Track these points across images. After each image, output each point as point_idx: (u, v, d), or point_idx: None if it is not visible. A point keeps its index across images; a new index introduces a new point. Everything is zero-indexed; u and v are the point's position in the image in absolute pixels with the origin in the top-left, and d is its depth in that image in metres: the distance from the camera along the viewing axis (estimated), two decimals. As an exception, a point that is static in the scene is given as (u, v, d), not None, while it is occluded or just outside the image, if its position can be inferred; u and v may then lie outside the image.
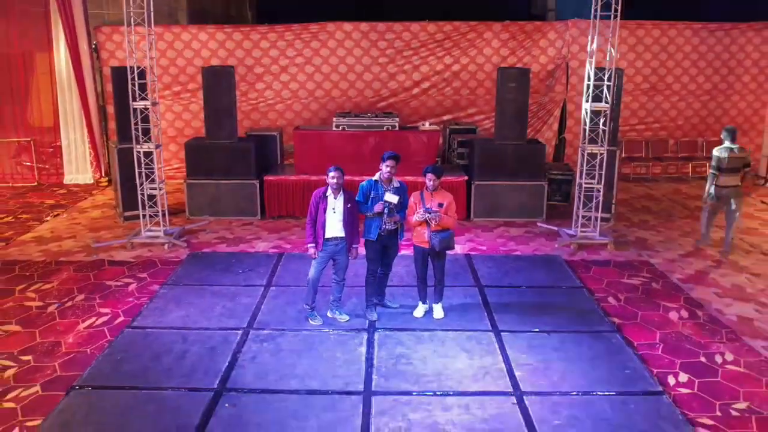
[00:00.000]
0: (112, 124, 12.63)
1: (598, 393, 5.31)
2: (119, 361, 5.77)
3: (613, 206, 10.09)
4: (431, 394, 5.26)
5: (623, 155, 13.19)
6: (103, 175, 12.73)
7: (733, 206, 8.68)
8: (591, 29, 8.69)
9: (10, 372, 5.72)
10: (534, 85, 12.66)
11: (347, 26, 12.48)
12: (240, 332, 6.31)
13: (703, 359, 6.00)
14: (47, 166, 12.86)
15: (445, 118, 12.79)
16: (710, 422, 5.02)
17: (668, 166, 13.46)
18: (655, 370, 5.75)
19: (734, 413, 5.16)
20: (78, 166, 12.77)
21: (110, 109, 12.63)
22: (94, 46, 12.39)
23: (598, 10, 8.62)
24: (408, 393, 5.27)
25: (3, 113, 12.54)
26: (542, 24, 12.98)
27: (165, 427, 4.80)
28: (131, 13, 8.65)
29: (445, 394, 5.25)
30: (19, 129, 12.67)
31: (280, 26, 12.45)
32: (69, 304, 7.12)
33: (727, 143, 8.73)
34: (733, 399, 5.35)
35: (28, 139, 12.70)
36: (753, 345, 6.29)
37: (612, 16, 8.60)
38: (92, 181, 12.70)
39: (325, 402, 5.14)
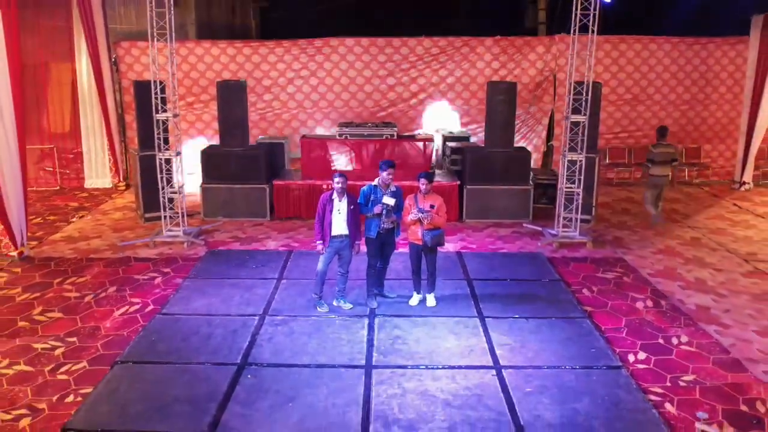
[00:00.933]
0: (129, 132, 13.61)
1: (566, 367, 6.20)
2: (154, 342, 6.66)
3: (593, 208, 10.99)
4: (423, 367, 6.15)
5: (607, 161, 14.13)
6: (121, 179, 13.62)
7: (664, 192, 10.89)
8: (570, 47, 9.59)
9: (59, 351, 6.61)
10: (524, 95, 13.62)
11: (349, 41, 13.40)
12: (257, 318, 7.20)
13: (660, 341, 6.90)
14: (68, 171, 13.76)
15: (440, 126, 13.68)
16: (660, 390, 5.91)
17: (650, 171, 14.34)
18: (617, 350, 6.64)
19: (682, 384, 6.05)
20: (98, 171, 13.67)
21: (128, 118, 13.59)
22: (113, 60, 13.30)
23: (577, 28, 9.50)
24: (403, 367, 6.16)
25: (27, 121, 13.39)
26: (531, 39, 13.89)
27: (197, 394, 5.68)
28: (154, 34, 9.53)
29: (435, 368, 6.14)
30: (43, 136, 13.56)
31: (287, 41, 13.37)
32: (103, 295, 8.02)
33: (660, 140, 10.75)
34: (682, 372, 6.24)
35: (51, 146, 13.60)
36: (706, 329, 7.18)
37: (590, 32, 9.45)
38: (111, 185, 13.59)
39: (333, 374, 6.03)
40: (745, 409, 5.63)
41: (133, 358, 6.34)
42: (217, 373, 6.03)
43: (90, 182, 13.63)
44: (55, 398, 5.75)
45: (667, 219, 11.34)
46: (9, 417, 5.44)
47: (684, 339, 6.94)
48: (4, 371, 6.16)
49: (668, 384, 6.04)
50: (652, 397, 5.78)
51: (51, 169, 13.69)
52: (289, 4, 19.61)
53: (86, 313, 7.49)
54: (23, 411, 5.54)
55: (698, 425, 5.31)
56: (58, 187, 13.61)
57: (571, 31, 9.52)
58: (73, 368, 6.27)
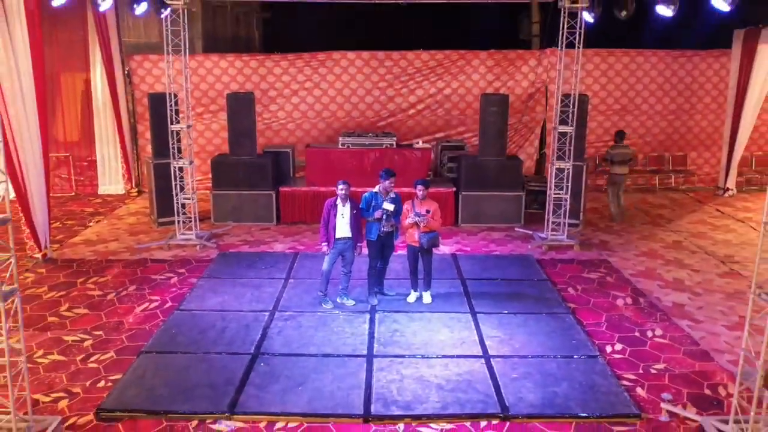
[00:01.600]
0: (140, 141, 14.28)
1: (549, 356, 6.85)
2: (174, 334, 7.31)
3: (581, 213, 11.65)
4: (419, 357, 6.79)
5: (598, 169, 14.79)
6: (133, 186, 14.28)
7: (622, 188, 11.93)
8: (557, 63, 10.27)
9: (88, 342, 7.26)
10: (517, 106, 14.31)
11: (351, 55, 14.08)
12: (267, 313, 7.85)
13: (636, 334, 7.55)
14: (83, 178, 14.41)
15: (437, 135, 14.37)
16: (633, 377, 6.56)
17: (638, 178, 15.01)
18: (596, 342, 7.28)
19: (653, 371, 6.69)
20: (111, 178, 14.32)
21: (140, 128, 14.26)
22: (126, 72, 13.97)
23: (563, 45, 10.18)
24: (401, 356, 6.81)
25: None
26: (524, 52, 14.57)
27: (216, 379, 6.32)
28: (170, 50, 10.20)
29: (430, 357, 6.79)
30: (58, 145, 14.20)
31: (292, 55, 14.06)
32: (124, 293, 8.67)
33: (618, 142, 11.89)
34: (654, 361, 6.89)
35: (66, 154, 14.25)
36: (680, 324, 7.83)
37: (576, 48, 10.12)
38: (124, 192, 14.24)
39: (338, 362, 6.67)
40: (708, 393, 6.27)
41: (156, 348, 6.99)
42: (233, 361, 6.68)
43: (103, 188, 14.28)
44: (88, 383, 6.39)
45: (649, 224, 12.01)
46: (48, 399, 6.08)
47: (658, 332, 7.60)
48: (40, 360, 6.81)
49: (641, 371, 6.69)
50: (625, 383, 6.43)
51: (66, 176, 14.34)
52: (291, 16, 20.31)
53: (110, 310, 8.14)
54: (61, 394, 6.19)
55: (663, 405, 5.95)
56: (73, 193, 14.25)
57: (559, 48, 10.19)
58: (102, 358, 6.92)
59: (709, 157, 15.25)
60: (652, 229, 11.83)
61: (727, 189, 14.48)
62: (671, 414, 5.89)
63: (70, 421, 5.74)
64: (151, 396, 6.04)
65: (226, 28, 19.51)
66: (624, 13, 9.03)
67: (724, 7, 6.60)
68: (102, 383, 6.40)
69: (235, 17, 21.05)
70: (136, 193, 14.18)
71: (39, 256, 9.82)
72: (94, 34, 13.46)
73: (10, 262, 5.21)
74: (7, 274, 5.30)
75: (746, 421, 5.28)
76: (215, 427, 5.65)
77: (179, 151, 10.63)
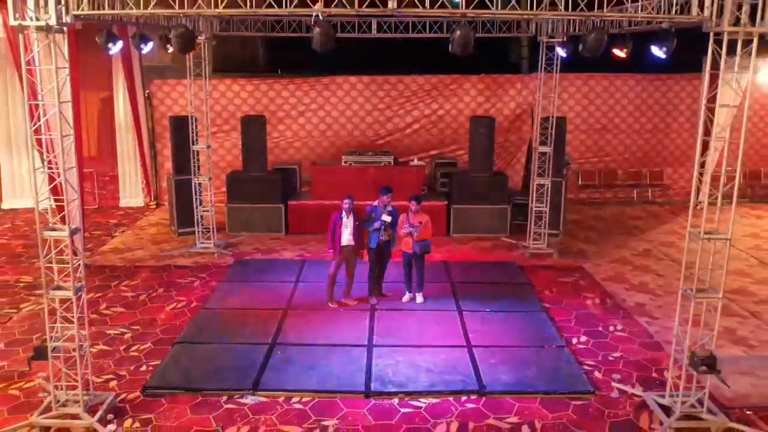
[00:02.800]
0: (159, 158, 15.50)
1: (522, 346, 8.05)
2: (201, 328, 8.51)
3: (561, 224, 12.85)
4: (412, 346, 7.98)
5: (580, 183, 16.04)
6: (152, 199, 15.50)
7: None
8: (537, 90, 11.51)
9: (128, 335, 8.45)
10: (506, 126, 15.56)
11: (352, 79, 15.34)
12: (281, 311, 9.04)
13: (600, 328, 8.74)
14: (105, 192, 15.63)
15: (432, 152, 15.61)
16: (592, 363, 7.75)
17: (617, 192, 16.25)
18: (565, 335, 8.48)
19: (610, 358, 7.88)
20: (131, 192, 15.54)
21: (158, 146, 15.49)
22: (147, 95, 15.23)
23: (542, 71, 11.40)
24: (396, 346, 8.00)
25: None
26: (511, 76, 15.82)
27: (240, 364, 7.51)
28: (191, 75, 11.45)
29: (421, 346, 7.98)
30: (83, 160, 15.38)
31: (298, 79, 15.33)
32: (154, 294, 9.87)
33: None
34: (612, 351, 8.08)
35: (90, 169, 15.45)
36: (639, 320, 9.02)
37: (555, 76, 11.34)
38: (143, 204, 15.46)
39: (343, 350, 7.87)
40: (655, 376, 7.45)
41: (188, 339, 8.19)
42: (254, 350, 7.86)
43: (124, 201, 15.50)
44: (132, 368, 7.59)
45: (624, 234, 13.25)
46: (100, 380, 7.26)
47: (619, 327, 8.79)
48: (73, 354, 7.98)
49: (599, 359, 7.88)
50: (585, 367, 7.62)
51: (89, 189, 15.52)
52: (294, 38, 21.58)
53: (143, 308, 9.34)
54: (110, 376, 7.38)
55: (614, 384, 7.15)
56: (96, 206, 15.44)
57: (539, 78, 11.45)
58: (141, 348, 8.12)
59: (683, 172, 16.48)
60: (626, 238, 13.04)
61: (700, 202, 15.63)
62: (621, 391, 7.08)
63: (121, 397, 6.92)
64: (187, 377, 7.24)
65: (233, 49, 20.77)
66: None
67: (661, 55, 7.78)
68: (144, 368, 7.59)
69: (242, 39, 22.35)
70: (154, 206, 15.39)
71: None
72: (118, 59, 14.68)
73: (78, 265, 6.41)
74: (78, 274, 6.48)
75: (678, 396, 6.49)
76: (242, 400, 6.84)
77: (199, 168, 11.85)
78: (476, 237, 12.89)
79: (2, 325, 8.75)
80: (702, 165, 6.88)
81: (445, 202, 12.98)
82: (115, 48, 7.59)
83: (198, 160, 11.88)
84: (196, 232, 11.85)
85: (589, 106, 15.96)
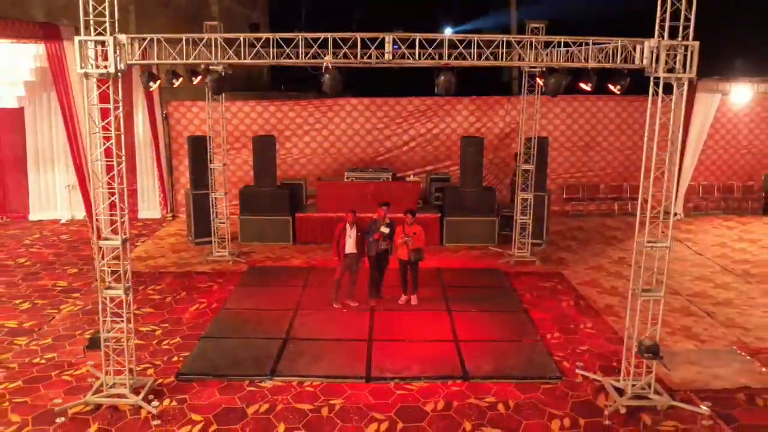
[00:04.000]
0: (175, 173, 16.76)
1: (502, 341, 9.28)
2: (223, 326, 9.74)
3: (544, 234, 14.10)
4: (406, 341, 9.21)
5: (564, 196, 17.31)
6: (168, 211, 16.75)
7: None
8: (522, 110, 12.78)
9: (158, 332, 9.68)
10: (495, 144, 16.85)
11: (354, 101, 16.64)
12: (291, 311, 10.26)
13: (572, 326, 9.97)
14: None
15: (427, 168, 16.90)
16: (562, 354, 8.97)
17: (600, 204, 17.51)
18: (540, 331, 9.71)
19: (578, 351, 9.11)
20: (149, 204, 16.80)
21: (174, 162, 16.76)
22: (164, 115, 16.51)
23: (525, 94, 12.66)
24: (393, 340, 9.23)
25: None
26: (500, 98, 17.11)
27: (258, 355, 8.72)
28: (210, 99, 12.73)
29: (414, 341, 9.21)
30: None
31: (304, 101, 16.64)
32: (178, 297, 11.10)
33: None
34: (580, 345, 9.31)
35: (111, 184, 16.71)
36: (607, 319, 10.25)
37: (537, 94, 12.58)
38: (160, 216, 16.71)
39: (347, 344, 9.09)
40: (615, 365, 8.65)
41: (212, 335, 9.42)
42: (269, 344, 9.08)
43: (143, 213, 16.75)
44: (165, 358, 8.81)
45: (602, 243, 14.50)
46: (139, 368, 8.46)
47: (589, 325, 10.02)
48: (120, 343, 9.21)
49: (569, 351, 9.10)
50: (556, 358, 8.84)
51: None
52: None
53: (170, 309, 10.57)
54: (147, 365, 8.60)
55: (577, 370, 8.38)
56: (117, 218, 16.67)
57: (521, 103, 12.74)
58: (171, 342, 9.34)
59: (660, 186, 17.69)
60: (604, 247, 14.28)
61: (676, 213, 16.95)
62: (584, 377, 8.30)
63: (158, 382, 8.14)
64: (213, 365, 8.46)
65: (238, 71, 22.14)
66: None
67: (615, 92, 9.05)
68: (175, 358, 8.82)
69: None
70: (171, 218, 16.65)
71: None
72: (138, 82, 15.92)
73: (127, 269, 7.66)
74: (127, 276, 7.72)
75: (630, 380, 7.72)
76: (261, 384, 8.06)
77: (214, 183, 13.13)
78: (467, 246, 14.12)
79: (48, 324, 9.98)
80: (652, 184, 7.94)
81: (439, 214, 14.23)
82: (155, 85, 8.84)
83: (214, 176, 13.13)
84: (213, 242, 13.09)
85: (573, 125, 17.24)
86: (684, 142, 16.42)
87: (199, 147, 13.57)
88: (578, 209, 17.46)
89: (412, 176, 15.20)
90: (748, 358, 8.95)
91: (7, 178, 16.58)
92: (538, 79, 12.02)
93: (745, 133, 17.93)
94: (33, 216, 16.62)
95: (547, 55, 8.12)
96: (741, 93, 15.65)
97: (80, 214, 16.51)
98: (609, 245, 14.47)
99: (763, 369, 8.60)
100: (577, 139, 17.34)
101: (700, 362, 8.81)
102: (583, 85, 9.80)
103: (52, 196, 16.77)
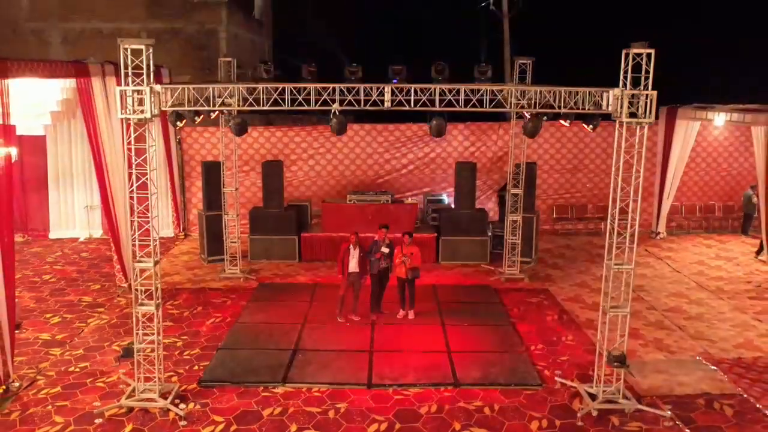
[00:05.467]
0: (187, 194, 17.81)
1: (490, 351, 10.29)
2: (238, 338, 10.75)
3: (533, 253, 15.13)
4: (404, 351, 10.21)
5: (554, 216, 18.35)
6: (181, 230, 17.78)
7: None
8: (511, 138, 13.85)
9: (179, 343, 10.68)
10: (488, 167, 17.93)
11: (355, 126, 17.74)
12: (299, 324, 11.27)
13: (554, 338, 10.98)
14: (139, 224, 17.87)
15: (424, 189, 17.96)
16: (544, 364, 9.98)
17: (587, 223, 18.55)
18: (525, 343, 10.71)
19: (559, 361, 10.11)
20: (162, 224, 17.77)
21: (186, 183, 17.80)
22: (178, 140, 17.58)
23: (514, 120, 13.73)
24: (392, 350, 10.24)
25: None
26: (493, 124, 18.19)
27: (271, 364, 9.72)
28: (222, 126, 13.79)
29: (411, 351, 10.21)
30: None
31: (309, 126, 17.74)
32: (195, 311, 12.11)
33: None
34: (561, 355, 10.32)
35: (127, 204, 17.76)
36: (587, 332, 11.25)
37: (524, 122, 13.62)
38: (173, 235, 17.73)
39: (350, 355, 10.10)
40: (590, 373, 9.64)
41: (228, 346, 10.43)
42: (280, 354, 10.09)
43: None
44: (186, 367, 9.82)
45: (588, 261, 15.52)
46: (164, 376, 9.47)
47: (570, 338, 11.03)
48: (151, 354, 10.22)
49: (550, 361, 10.11)
50: (538, 367, 9.85)
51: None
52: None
53: (188, 323, 11.59)
54: (171, 374, 9.60)
55: (556, 378, 9.38)
56: (132, 236, 17.69)
57: (511, 131, 13.81)
58: (192, 352, 10.35)
59: (646, 206, 18.74)
60: (589, 265, 15.30)
61: (659, 232, 18.01)
62: (562, 384, 9.31)
63: (183, 388, 9.15)
64: (231, 373, 9.47)
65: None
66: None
67: (589, 129, 10.12)
68: (196, 367, 9.83)
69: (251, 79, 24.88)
70: (183, 237, 17.68)
71: (125, 285, 13.23)
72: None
73: (158, 287, 8.68)
74: (155, 293, 8.74)
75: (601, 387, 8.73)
76: (274, 390, 9.06)
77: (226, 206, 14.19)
78: (461, 264, 15.13)
79: (78, 336, 10.99)
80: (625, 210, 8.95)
81: (435, 234, 15.27)
82: (181, 124, 9.88)
83: (226, 199, 14.18)
84: (225, 260, 14.12)
85: (562, 149, 18.32)
86: (666, 165, 17.53)
87: (212, 171, 14.63)
88: (567, 228, 18.49)
89: (409, 199, 16.24)
90: (711, 367, 9.95)
91: (29, 198, 17.60)
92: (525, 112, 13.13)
93: (725, 156, 18.99)
94: (53, 234, 17.61)
95: (527, 101, 9.18)
96: (719, 119, 16.71)
97: (97, 232, 17.59)
98: (594, 263, 15.48)
99: (724, 377, 9.60)
100: (565, 162, 18.41)
101: (667, 371, 9.82)
102: (562, 121, 10.93)
103: (71, 216, 17.78)
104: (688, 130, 17.27)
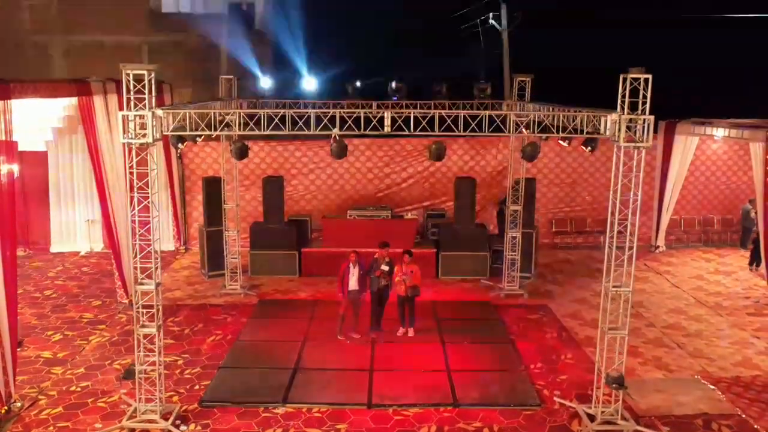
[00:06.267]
0: (187, 208, 17.88)
1: (490, 370, 10.33)
2: (239, 357, 10.80)
3: (533, 268, 15.18)
4: (404, 370, 10.26)
5: (554, 230, 18.42)
6: (182, 244, 17.84)
7: None
8: (510, 154, 13.92)
9: (180, 362, 10.73)
10: (488, 181, 18.01)
11: (355, 141, 17.77)
12: (300, 342, 11.32)
13: (553, 357, 11.02)
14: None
15: (424, 203, 18.04)
16: (543, 383, 10.03)
17: (587, 237, 18.61)
18: (525, 362, 10.76)
19: (558, 380, 10.16)
20: (163, 237, 17.76)
21: (187, 197, 17.87)
22: (178, 155, 17.67)
23: (512, 132, 13.76)
24: (392, 369, 10.28)
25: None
26: (492, 138, 18.25)
27: (272, 383, 9.76)
28: (225, 148, 13.87)
29: (411, 370, 10.26)
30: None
31: (309, 141, 17.81)
32: (196, 329, 12.16)
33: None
34: (560, 374, 10.36)
35: (128, 218, 17.83)
36: (585, 351, 11.29)
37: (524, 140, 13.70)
38: (174, 249, 17.78)
39: (351, 374, 10.15)
40: (590, 393, 9.69)
41: (229, 365, 10.48)
42: (281, 373, 10.14)
43: (157, 245, 17.77)
44: (187, 386, 9.87)
45: (587, 276, 15.58)
46: (165, 395, 9.51)
47: (569, 356, 11.07)
48: (152, 373, 10.26)
49: (549, 380, 10.16)
50: (537, 387, 9.90)
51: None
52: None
53: (189, 340, 11.63)
54: (172, 393, 9.65)
55: (555, 398, 9.43)
56: (133, 250, 17.76)
57: (510, 143, 13.89)
58: (193, 371, 10.40)
59: (645, 219, 18.82)
60: (588, 281, 15.34)
61: (658, 246, 18.07)
62: (561, 405, 9.35)
63: (184, 408, 9.19)
64: (232, 393, 9.52)
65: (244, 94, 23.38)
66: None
67: (587, 151, 10.19)
68: (197, 387, 9.88)
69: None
70: (184, 250, 17.74)
71: (126, 301, 13.28)
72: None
73: (159, 308, 8.73)
74: (156, 314, 8.80)
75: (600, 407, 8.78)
76: (275, 410, 9.10)
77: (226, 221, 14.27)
78: (460, 279, 15.18)
79: (79, 354, 11.04)
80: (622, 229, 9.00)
81: (434, 250, 15.33)
82: (182, 146, 9.97)
83: (226, 215, 14.25)
84: (226, 276, 14.18)
85: (561, 164, 18.40)
86: (665, 179, 17.61)
87: (213, 187, 14.71)
88: (566, 241, 18.55)
89: (409, 214, 16.33)
90: (710, 386, 10.00)
91: (30, 211, 17.65)
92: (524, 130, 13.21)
93: (723, 170, 19.07)
94: (54, 248, 17.66)
95: (525, 127, 9.27)
96: (717, 134, 16.80)
97: (98, 246, 17.65)
98: (593, 278, 15.51)
99: (722, 396, 9.65)
100: (565, 176, 18.49)
101: (666, 390, 9.86)
102: (561, 142, 11.01)
103: (72, 230, 17.84)
104: (686, 144, 17.35)
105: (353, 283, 11.37)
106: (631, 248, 8.92)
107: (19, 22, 24.17)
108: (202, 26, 24.59)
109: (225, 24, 24.87)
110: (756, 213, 15.96)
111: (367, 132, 8.22)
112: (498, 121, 8.92)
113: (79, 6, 23.88)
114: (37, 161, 17.11)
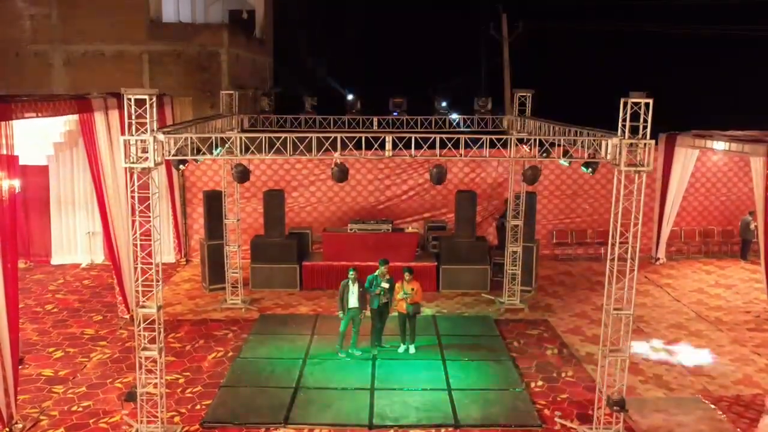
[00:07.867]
0: (188, 221, 17.90)
1: (490, 389, 10.34)
2: (240, 375, 10.81)
3: (534, 281, 15.20)
4: (405, 389, 10.27)
5: (554, 241, 18.43)
6: (182, 256, 17.86)
7: None
8: (510, 169, 13.94)
9: (181, 380, 10.74)
10: (489, 193, 18.03)
11: (356, 153, 17.80)
12: (301, 360, 11.33)
13: (554, 374, 11.03)
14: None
15: (425, 215, 18.06)
16: (544, 402, 10.04)
17: (587, 248, 18.63)
18: (525, 380, 10.76)
19: (558, 399, 10.17)
20: (163, 250, 17.86)
21: (188, 210, 17.90)
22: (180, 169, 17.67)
23: (512, 147, 13.81)
24: (393, 389, 10.29)
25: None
26: (493, 151, 18.21)
27: (273, 403, 9.78)
28: (224, 158, 13.90)
29: (411, 389, 10.27)
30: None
31: (310, 154, 17.79)
32: (197, 345, 12.17)
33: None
34: (561, 393, 10.37)
35: (129, 230, 17.86)
36: (586, 368, 11.30)
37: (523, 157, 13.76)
38: (174, 261, 17.80)
39: (352, 393, 10.15)
40: (590, 413, 9.70)
41: (230, 384, 10.48)
42: (282, 392, 10.15)
43: (158, 258, 17.80)
44: (189, 406, 9.88)
45: (587, 289, 15.59)
46: (166, 415, 9.53)
47: (570, 374, 11.08)
48: (153, 392, 10.27)
49: (550, 399, 10.17)
50: (538, 406, 9.91)
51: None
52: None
53: (190, 357, 11.65)
54: (173, 413, 9.66)
55: (556, 419, 9.44)
56: (134, 262, 17.79)
57: (509, 160, 13.91)
58: (194, 390, 10.41)
59: (646, 231, 18.82)
60: (589, 294, 15.36)
61: (658, 258, 18.10)
62: (562, 425, 9.37)
63: (185, 429, 9.20)
64: (233, 413, 9.53)
65: (245, 106, 23.40)
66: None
67: (588, 173, 10.22)
68: (198, 406, 9.89)
69: (253, 97, 25.03)
70: (185, 262, 17.75)
71: (127, 317, 13.29)
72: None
73: (161, 330, 8.75)
74: (158, 337, 8.81)
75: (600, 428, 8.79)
76: (276, 431, 9.12)
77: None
78: (461, 293, 15.19)
79: (81, 372, 11.05)
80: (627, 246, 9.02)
81: (435, 263, 15.35)
82: (183, 167, 10.00)
83: (227, 229, 14.28)
84: (227, 290, 14.20)
85: (561, 175, 18.42)
86: (665, 191, 17.64)
87: (213, 201, 14.74)
88: (567, 253, 18.56)
89: (410, 228, 16.34)
90: (711, 406, 10.01)
91: (31, 224, 17.68)
92: (524, 147, 13.25)
93: (724, 181, 19.09)
94: (55, 260, 17.67)
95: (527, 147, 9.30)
96: (718, 147, 16.83)
97: (99, 258, 17.67)
98: (594, 291, 15.54)
99: (723, 417, 9.66)
100: (565, 188, 18.51)
101: (666, 410, 9.87)
102: (561, 161, 11.03)
103: (73, 242, 17.85)
104: (687, 156, 17.37)
105: (353, 301, 11.39)
106: (632, 271, 8.82)
107: (20, 32, 24.16)
108: (203, 35, 24.59)
109: (225, 32, 24.83)
110: (756, 226, 16.00)
111: (369, 156, 8.21)
112: (499, 144, 8.91)
113: (79, 16, 23.87)
114: (38, 173, 17.14)
